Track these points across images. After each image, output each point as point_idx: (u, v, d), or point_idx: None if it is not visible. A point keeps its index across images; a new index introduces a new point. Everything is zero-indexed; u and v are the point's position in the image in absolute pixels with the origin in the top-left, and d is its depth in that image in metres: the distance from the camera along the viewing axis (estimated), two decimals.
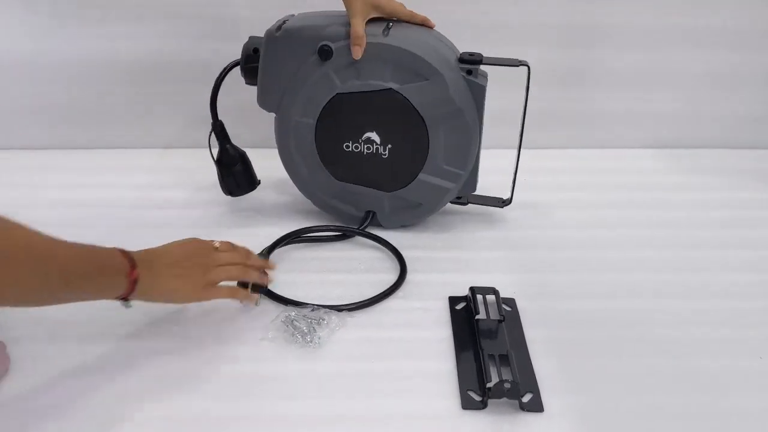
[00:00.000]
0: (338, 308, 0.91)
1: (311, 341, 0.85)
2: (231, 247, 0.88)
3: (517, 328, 0.90)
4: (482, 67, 1.02)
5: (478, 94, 1.01)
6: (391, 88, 0.99)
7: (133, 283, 0.74)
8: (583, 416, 0.77)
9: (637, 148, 1.41)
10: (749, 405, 0.80)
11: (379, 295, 0.94)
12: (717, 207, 1.22)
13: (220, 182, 1.12)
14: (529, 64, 1.01)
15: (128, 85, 1.31)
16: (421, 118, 1.00)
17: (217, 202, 1.16)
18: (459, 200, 1.13)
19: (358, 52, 0.97)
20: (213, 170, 1.11)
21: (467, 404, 0.78)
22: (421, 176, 1.05)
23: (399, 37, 0.99)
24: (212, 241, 0.87)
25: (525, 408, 0.77)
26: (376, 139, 1.04)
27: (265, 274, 0.91)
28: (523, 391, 0.78)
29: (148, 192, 1.21)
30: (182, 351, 0.84)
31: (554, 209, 1.19)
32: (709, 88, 1.39)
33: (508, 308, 0.93)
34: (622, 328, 0.91)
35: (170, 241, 0.83)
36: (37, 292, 0.67)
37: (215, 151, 1.09)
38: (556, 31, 1.31)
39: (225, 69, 1.05)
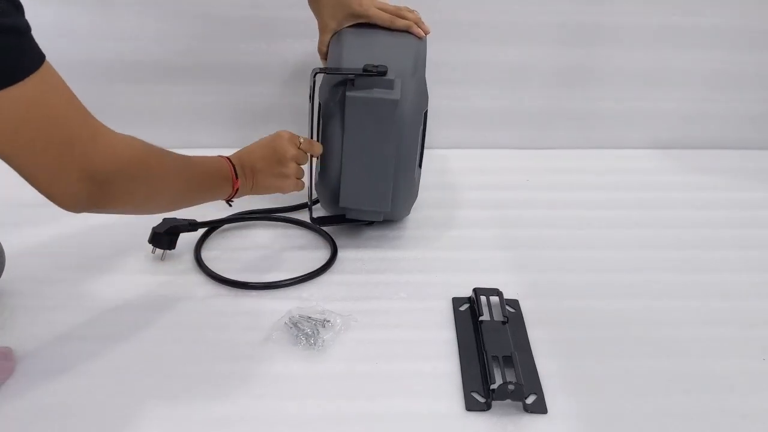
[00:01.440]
0: (276, 284, 0.95)
1: (315, 344, 0.84)
2: (309, 145, 0.98)
3: (521, 329, 0.90)
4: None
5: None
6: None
7: (236, 190, 0.90)
8: (587, 418, 0.77)
9: (638, 148, 1.41)
10: (753, 406, 0.80)
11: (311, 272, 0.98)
12: (718, 207, 1.22)
13: None
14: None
15: (130, 84, 1.30)
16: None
17: None
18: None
19: (323, 62, 1.07)
20: None
21: (471, 405, 0.78)
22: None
23: (351, 33, 1.03)
24: (297, 136, 0.96)
25: (529, 409, 0.77)
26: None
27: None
28: (527, 393, 0.78)
29: None
30: (186, 351, 0.84)
31: (557, 209, 1.19)
32: (709, 88, 1.39)
33: (511, 309, 0.93)
34: (626, 328, 0.91)
35: None
36: (179, 201, 0.83)
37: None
38: (558, 31, 1.30)
39: None
